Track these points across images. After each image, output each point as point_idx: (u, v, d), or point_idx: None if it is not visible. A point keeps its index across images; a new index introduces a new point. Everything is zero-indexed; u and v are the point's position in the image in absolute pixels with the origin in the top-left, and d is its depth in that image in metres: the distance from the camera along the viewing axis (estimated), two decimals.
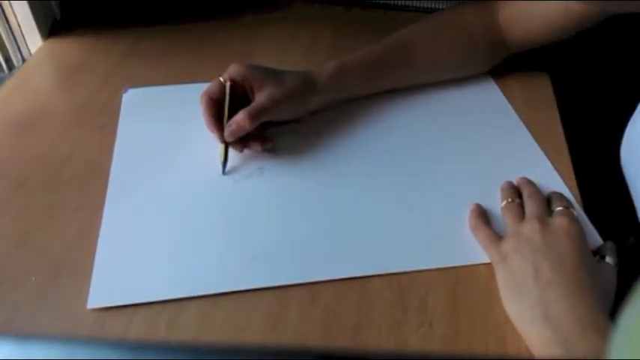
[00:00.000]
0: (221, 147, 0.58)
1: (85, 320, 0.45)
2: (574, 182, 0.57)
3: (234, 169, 0.59)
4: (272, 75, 0.60)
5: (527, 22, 0.65)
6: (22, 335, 0.23)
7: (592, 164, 0.61)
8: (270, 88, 0.58)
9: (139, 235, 0.52)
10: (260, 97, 0.58)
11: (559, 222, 0.47)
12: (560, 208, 0.50)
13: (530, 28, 0.66)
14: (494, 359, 0.43)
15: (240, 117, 0.56)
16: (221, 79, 0.59)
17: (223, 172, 0.58)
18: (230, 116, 0.58)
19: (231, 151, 0.59)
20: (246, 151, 0.59)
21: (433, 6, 0.85)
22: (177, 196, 0.56)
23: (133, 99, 0.69)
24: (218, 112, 0.58)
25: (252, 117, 0.56)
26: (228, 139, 0.57)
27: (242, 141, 0.58)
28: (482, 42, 0.68)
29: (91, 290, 0.47)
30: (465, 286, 0.48)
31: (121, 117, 0.66)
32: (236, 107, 0.58)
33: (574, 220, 0.48)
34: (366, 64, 0.64)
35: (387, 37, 0.66)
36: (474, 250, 0.51)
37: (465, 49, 0.68)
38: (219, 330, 0.45)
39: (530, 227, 0.48)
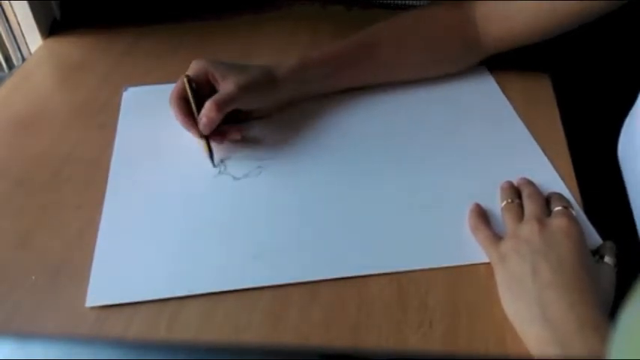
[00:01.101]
0: (201, 142, 0.59)
1: (85, 319, 0.45)
2: (574, 182, 0.57)
3: (233, 168, 0.59)
4: (235, 66, 0.61)
5: (506, 20, 0.64)
6: (22, 334, 0.23)
7: (592, 164, 0.61)
8: (233, 76, 0.59)
9: (138, 234, 0.52)
10: (224, 86, 0.59)
11: (558, 222, 0.47)
12: (559, 208, 0.50)
13: (511, 26, 0.64)
14: (494, 358, 0.43)
15: (207, 107, 0.57)
16: (184, 77, 0.60)
17: (214, 165, 0.59)
18: (199, 111, 0.58)
19: (229, 150, 0.60)
20: (243, 150, 0.60)
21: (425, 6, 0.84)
22: (177, 194, 0.56)
23: (132, 97, 0.69)
24: (189, 109, 0.59)
25: (218, 106, 0.57)
26: (204, 132, 0.58)
27: (220, 133, 0.59)
28: (454, 41, 0.67)
29: (90, 288, 0.47)
30: (465, 285, 0.49)
31: (120, 116, 0.66)
32: (204, 101, 0.58)
33: (573, 220, 0.48)
34: (328, 58, 0.64)
35: (353, 35, 0.66)
36: (473, 250, 0.51)
37: (434, 47, 0.68)
38: (219, 329, 0.45)
39: (529, 228, 0.48)
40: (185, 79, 0.60)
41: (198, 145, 0.60)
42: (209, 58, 0.61)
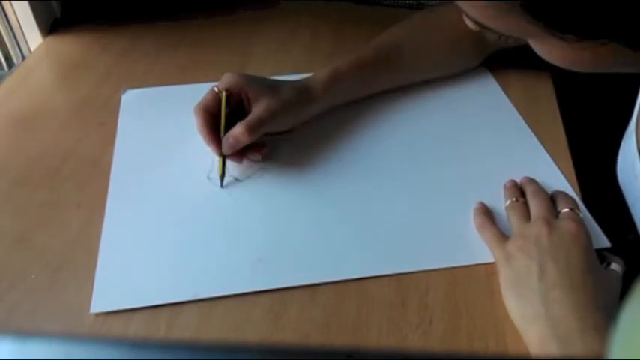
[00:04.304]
0: (218, 160, 0.57)
1: (84, 319, 0.45)
2: (574, 180, 0.57)
3: (235, 171, 0.58)
4: (267, 86, 0.59)
5: None
6: (22, 333, 0.23)
7: (592, 163, 0.61)
8: (267, 99, 0.57)
9: (140, 238, 0.52)
10: (257, 109, 0.57)
11: (566, 225, 0.47)
12: (567, 210, 0.49)
13: None
14: (494, 358, 0.43)
15: (239, 131, 0.55)
16: (215, 89, 0.58)
17: (222, 186, 0.57)
18: (227, 126, 0.56)
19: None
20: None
21: (432, 3, 0.85)
22: (178, 198, 0.56)
23: (132, 99, 0.69)
24: (213, 123, 0.57)
25: (251, 130, 0.55)
26: (225, 152, 0.56)
27: (239, 152, 0.57)
28: (466, 40, 0.68)
29: (94, 294, 0.47)
30: (465, 284, 0.48)
31: (120, 117, 0.66)
32: (230, 116, 0.57)
33: (581, 223, 0.48)
34: (358, 68, 0.63)
35: (374, 40, 0.66)
36: (474, 250, 0.51)
37: (451, 47, 0.68)
38: (219, 329, 0.45)
39: (537, 229, 0.47)
40: (224, 94, 0.57)
41: (217, 163, 0.57)
42: (243, 73, 0.59)
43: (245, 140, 0.55)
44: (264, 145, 0.59)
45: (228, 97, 0.57)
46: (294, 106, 0.59)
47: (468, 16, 0.41)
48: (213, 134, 0.56)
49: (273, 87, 0.59)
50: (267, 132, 0.58)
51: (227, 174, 0.57)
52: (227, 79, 0.58)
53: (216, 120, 0.57)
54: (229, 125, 0.56)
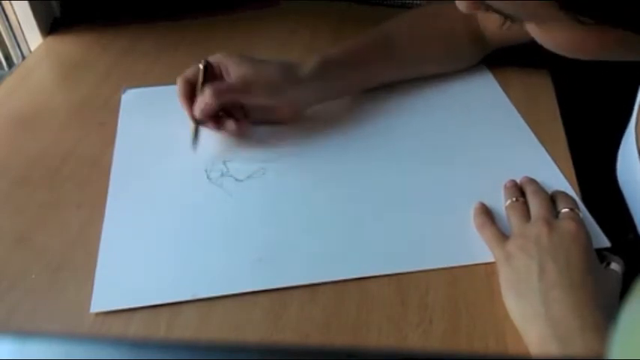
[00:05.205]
0: (192, 125, 0.59)
1: (84, 318, 0.45)
2: (574, 179, 0.57)
3: (235, 170, 0.59)
4: (249, 60, 0.60)
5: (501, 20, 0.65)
6: (22, 333, 0.23)
7: (592, 163, 0.61)
8: (243, 70, 0.59)
9: (140, 238, 0.52)
10: (230, 78, 0.59)
11: (567, 225, 0.47)
12: (567, 210, 0.49)
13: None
14: (494, 358, 0.43)
15: (205, 92, 0.57)
16: (200, 64, 0.60)
17: (193, 149, 0.59)
18: None
19: (233, 152, 0.60)
20: (246, 152, 0.60)
21: (432, 3, 0.84)
22: (178, 198, 0.56)
23: (131, 99, 0.69)
24: (192, 92, 0.59)
25: (217, 92, 0.57)
26: (197, 115, 0.58)
27: (217, 120, 0.59)
28: (464, 37, 0.68)
29: (94, 294, 0.47)
30: (465, 284, 0.48)
31: (120, 117, 0.66)
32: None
33: (581, 223, 0.48)
34: (350, 57, 0.63)
35: (370, 31, 0.66)
36: (474, 250, 0.51)
37: (447, 43, 0.68)
38: (219, 329, 0.45)
39: (537, 229, 0.47)
40: (202, 65, 0.59)
41: (191, 129, 0.59)
42: (234, 53, 0.60)
43: (211, 102, 0.57)
44: (246, 122, 0.61)
45: (206, 67, 0.59)
46: (277, 83, 0.59)
47: None
48: (188, 100, 0.59)
49: (256, 62, 0.60)
50: (262, 116, 0.61)
51: (221, 173, 0.58)
52: (211, 56, 0.60)
53: (195, 90, 0.59)
54: None
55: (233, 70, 0.59)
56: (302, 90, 0.61)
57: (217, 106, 0.58)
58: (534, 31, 0.42)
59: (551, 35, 0.40)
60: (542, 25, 0.40)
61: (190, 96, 0.59)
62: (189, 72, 0.60)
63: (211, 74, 0.60)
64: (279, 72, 0.59)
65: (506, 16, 0.40)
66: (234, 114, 0.61)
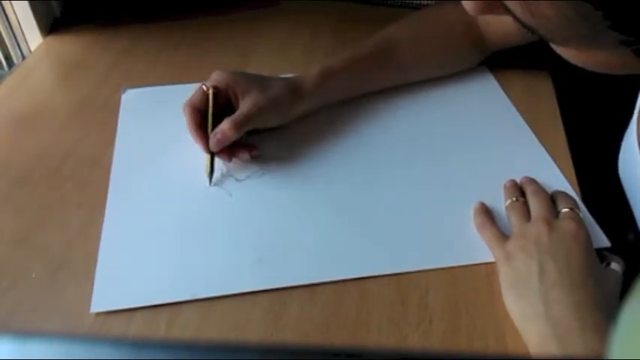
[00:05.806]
0: (206, 157, 0.57)
1: (84, 318, 0.45)
2: (574, 179, 0.57)
3: (235, 170, 0.59)
4: (256, 82, 0.59)
5: (502, 23, 0.64)
6: (22, 333, 0.23)
7: (592, 163, 0.61)
8: (254, 95, 0.57)
9: (140, 238, 0.52)
10: (244, 105, 0.57)
11: (567, 225, 0.47)
12: (567, 210, 0.50)
13: (507, 29, 0.64)
14: (494, 358, 0.43)
15: (226, 126, 0.55)
16: (204, 87, 0.58)
17: (210, 184, 0.57)
18: (214, 124, 0.56)
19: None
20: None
21: (432, 3, 0.85)
22: (178, 198, 0.56)
23: (132, 99, 0.69)
24: (202, 120, 0.57)
25: (238, 126, 0.55)
26: (213, 149, 0.56)
27: (229, 150, 0.57)
28: (463, 40, 0.68)
29: (94, 294, 0.47)
30: (465, 284, 0.48)
31: (120, 117, 0.66)
32: (220, 115, 0.57)
33: (581, 223, 0.48)
34: (351, 65, 0.63)
35: (370, 38, 0.66)
36: (474, 250, 0.51)
37: (448, 47, 0.68)
38: (219, 329, 0.45)
39: (537, 229, 0.47)
40: (211, 92, 0.57)
41: (206, 161, 0.57)
42: (232, 71, 0.59)
43: (232, 135, 0.55)
44: (254, 146, 0.59)
45: (216, 94, 0.58)
46: (283, 102, 0.59)
47: None
48: (201, 131, 0.56)
49: (262, 83, 0.59)
50: (258, 128, 0.59)
51: (222, 173, 0.57)
52: (215, 77, 0.59)
53: (205, 118, 0.57)
54: (218, 123, 0.56)
55: (243, 94, 0.57)
56: (306, 103, 0.62)
57: (236, 138, 0.56)
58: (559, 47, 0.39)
59: (579, 52, 0.38)
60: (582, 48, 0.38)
61: (201, 125, 0.57)
62: (195, 98, 0.58)
63: (220, 99, 0.58)
64: (285, 92, 0.59)
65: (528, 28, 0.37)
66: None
